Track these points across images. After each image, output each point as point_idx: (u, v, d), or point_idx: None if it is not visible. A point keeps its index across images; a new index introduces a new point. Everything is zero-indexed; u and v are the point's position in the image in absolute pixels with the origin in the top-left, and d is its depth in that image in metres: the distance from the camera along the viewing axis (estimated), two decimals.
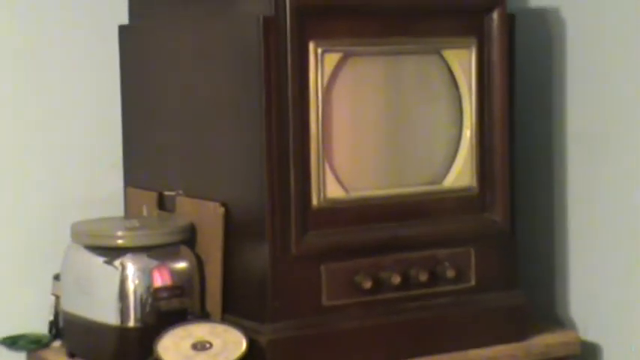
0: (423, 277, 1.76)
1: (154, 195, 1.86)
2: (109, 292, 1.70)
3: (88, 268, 1.74)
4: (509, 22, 1.82)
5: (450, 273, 1.78)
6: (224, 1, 1.74)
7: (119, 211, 1.95)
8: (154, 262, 1.71)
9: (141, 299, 1.69)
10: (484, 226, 1.82)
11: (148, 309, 1.69)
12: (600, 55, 1.90)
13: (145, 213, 1.86)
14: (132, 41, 1.94)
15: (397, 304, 1.76)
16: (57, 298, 1.84)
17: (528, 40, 1.94)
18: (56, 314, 1.85)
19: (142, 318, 1.69)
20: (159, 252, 1.72)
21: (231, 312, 1.73)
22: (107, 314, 1.70)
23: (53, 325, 1.86)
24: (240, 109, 1.71)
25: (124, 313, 1.69)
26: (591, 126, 1.92)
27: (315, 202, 1.70)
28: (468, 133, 1.81)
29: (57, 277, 1.84)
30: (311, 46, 1.68)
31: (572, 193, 1.96)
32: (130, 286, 1.70)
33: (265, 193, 1.67)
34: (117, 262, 1.71)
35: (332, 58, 1.70)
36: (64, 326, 1.81)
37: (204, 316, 1.74)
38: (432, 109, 1.80)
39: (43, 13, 1.94)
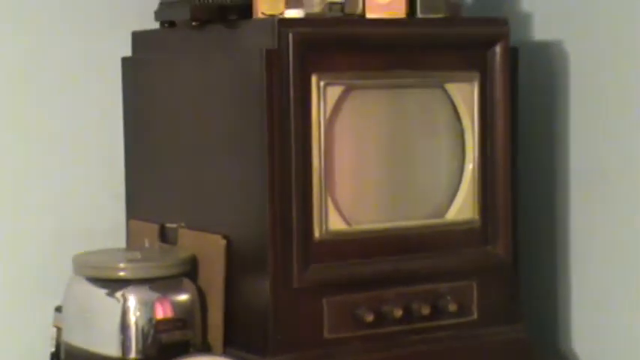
0: (425, 310, 1.76)
1: (156, 227, 1.86)
2: (110, 324, 1.70)
3: (90, 300, 1.74)
4: (512, 55, 1.82)
5: (452, 307, 1.78)
6: (227, 35, 1.74)
7: (121, 242, 1.95)
8: (155, 295, 1.71)
9: (142, 331, 1.69)
10: (486, 259, 1.81)
11: (149, 341, 1.69)
12: (603, 88, 1.91)
13: (147, 245, 1.86)
14: (135, 73, 1.94)
15: (399, 337, 1.75)
16: (58, 329, 1.84)
17: (531, 73, 1.94)
18: (58, 346, 1.85)
19: (143, 350, 1.69)
20: (161, 284, 1.72)
21: (233, 345, 1.73)
22: (109, 346, 1.70)
23: (55, 356, 1.86)
24: (242, 141, 1.71)
25: (125, 345, 1.69)
26: (593, 160, 1.92)
27: (317, 234, 1.70)
28: (471, 166, 1.81)
29: (59, 309, 1.84)
30: (313, 79, 1.68)
31: (574, 227, 1.95)
32: (132, 318, 1.69)
33: (267, 225, 1.67)
34: (119, 294, 1.71)
35: (334, 91, 1.70)
36: (65, 358, 1.81)
37: (205, 348, 1.74)
38: (435, 142, 1.80)
39: (47, 44, 1.95)
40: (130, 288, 1.71)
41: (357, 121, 1.74)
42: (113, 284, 1.71)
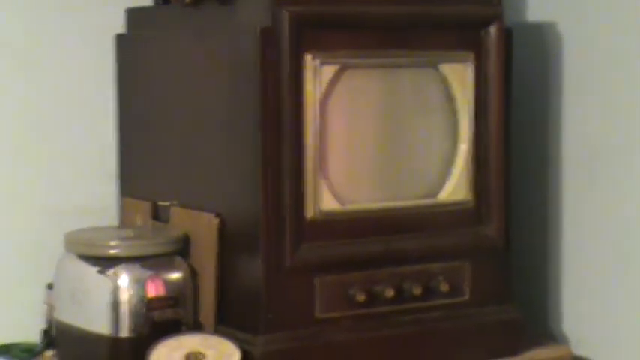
0: (417, 290, 1.76)
1: (148, 205, 1.86)
2: (102, 301, 1.70)
3: (82, 278, 1.74)
4: (507, 36, 1.82)
5: (444, 287, 1.78)
6: (221, 12, 1.74)
7: (113, 221, 1.94)
8: (147, 273, 1.71)
9: (134, 309, 1.69)
10: (479, 240, 1.82)
11: (141, 319, 1.69)
12: (597, 69, 1.91)
13: (139, 223, 1.86)
14: (128, 51, 1.93)
15: (391, 317, 1.75)
16: (50, 307, 1.84)
17: (525, 54, 1.94)
18: (49, 323, 1.84)
19: (135, 328, 1.69)
20: (153, 262, 1.72)
21: (225, 323, 1.73)
22: (100, 324, 1.70)
23: (46, 334, 1.86)
24: (236, 119, 1.71)
25: (116, 323, 1.69)
26: (587, 142, 1.92)
27: (309, 214, 1.70)
28: (464, 146, 1.81)
29: (50, 286, 1.84)
30: (308, 57, 1.68)
31: (566, 208, 1.96)
32: (124, 296, 1.69)
33: (260, 204, 1.66)
34: (110, 272, 1.70)
35: (329, 70, 1.70)
36: (56, 335, 1.81)
37: (197, 327, 1.74)
38: (428, 122, 1.80)
39: (39, 21, 1.94)
40: (121, 266, 1.70)
41: (351, 100, 1.73)
42: (105, 262, 1.71)
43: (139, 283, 1.70)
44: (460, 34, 1.80)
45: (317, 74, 1.68)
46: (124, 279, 1.70)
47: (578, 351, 1.92)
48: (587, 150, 1.92)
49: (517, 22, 1.94)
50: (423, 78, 1.79)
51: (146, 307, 1.69)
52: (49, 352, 1.84)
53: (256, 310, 1.68)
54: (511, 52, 1.83)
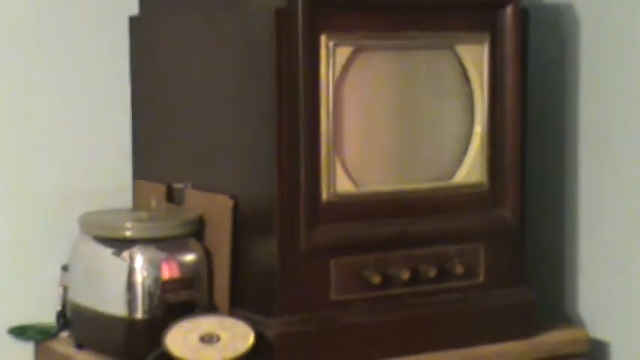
0: (432, 272, 1.75)
1: (162, 187, 1.86)
2: (117, 283, 1.70)
3: (97, 260, 1.74)
4: (523, 17, 1.81)
5: (459, 269, 1.77)
6: None
7: (128, 203, 1.94)
8: (162, 255, 1.71)
9: (149, 291, 1.69)
10: (494, 222, 1.81)
11: (155, 301, 1.69)
12: (614, 51, 1.89)
13: (153, 205, 1.86)
14: (142, 33, 1.93)
15: (405, 299, 1.75)
16: (65, 288, 1.84)
17: (541, 35, 1.93)
18: (64, 305, 1.85)
19: (149, 310, 1.69)
20: (167, 244, 1.72)
21: (239, 305, 1.73)
22: (115, 306, 1.70)
23: (61, 315, 1.86)
24: (250, 101, 1.71)
25: (131, 304, 1.69)
26: (603, 123, 1.91)
27: (324, 196, 1.69)
28: (479, 129, 1.80)
29: (65, 268, 1.84)
30: (323, 39, 1.67)
31: (582, 191, 1.95)
32: (138, 277, 1.69)
33: (275, 186, 1.66)
34: (125, 254, 1.71)
35: (343, 52, 1.69)
36: (71, 317, 1.81)
37: (212, 309, 1.74)
38: (444, 104, 1.79)
39: (52, 4, 1.93)
40: (136, 248, 1.70)
41: (366, 82, 1.72)
42: (120, 244, 1.71)
43: (154, 265, 1.70)
44: (476, 14, 1.79)
45: (332, 56, 1.68)
46: (138, 261, 1.70)
47: (594, 333, 1.91)
48: (603, 130, 1.91)
49: (533, 3, 1.93)
50: (439, 59, 1.78)
51: (161, 288, 1.69)
52: (65, 334, 1.85)
53: (271, 292, 1.68)
54: (527, 32, 1.82)
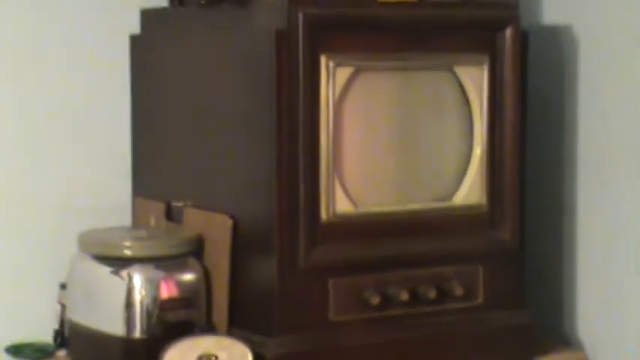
0: (431, 294, 1.75)
1: (162, 206, 1.86)
2: (115, 302, 1.70)
3: (95, 278, 1.74)
4: (523, 39, 1.81)
5: (458, 290, 1.77)
6: (236, 14, 1.73)
7: (127, 221, 1.94)
8: (161, 274, 1.71)
9: (147, 310, 1.69)
10: (493, 243, 1.81)
11: (154, 320, 1.69)
12: (612, 72, 1.90)
13: (152, 223, 1.86)
14: (143, 51, 1.93)
15: (404, 320, 1.75)
16: (63, 306, 1.84)
17: (540, 57, 1.93)
18: (62, 323, 1.84)
19: (148, 329, 1.69)
20: (166, 263, 1.72)
21: (238, 325, 1.73)
22: (113, 324, 1.70)
23: (58, 334, 1.85)
24: (250, 121, 1.71)
25: (130, 323, 1.69)
26: (603, 145, 1.91)
27: (324, 216, 1.69)
28: (479, 150, 1.81)
29: (63, 286, 1.84)
30: (323, 59, 1.68)
31: (582, 212, 1.95)
32: (137, 296, 1.69)
33: (274, 206, 1.66)
34: (124, 273, 1.70)
35: (344, 73, 1.69)
36: (69, 335, 1.81)
37: (210, 328, 1.74)
38: (443, 125, 1.79)
39: (54, 21, 1.94)
40: (135, 266, 1.70)
41: (366, 102, 1.73)
42: (118, 262, 1.71)
43: (153, 284, 1.70)
44: (475, 36, 1.79)
45: (332, 76, 1.68)
46: (137, 280, 1.69)
47: (594, 357, 1.91)
48: (601, 153, 1.91)
49: (532, 25, 1.94)
50: (438, 80, 1.78)
51: (159, 308, 1.69)
52: (62, 352, 1.84)
53: (269, 312, 1.68)
54: (527, 54, 1.82)
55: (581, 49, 1.94)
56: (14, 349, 1.87)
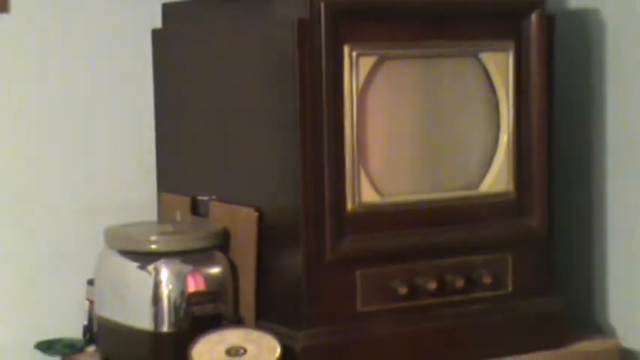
0: (459, 283, 1.74)
1: (187, 200, 1.86)
2: (142, 297, 1.70)
3: (122, 273, 1.74)
4: (549, 24, 1.79)
5: (487, 279, 1.76)
6: (258, 5, 1.73)
7: (152, 216, 1.94)
8: (187, 267, 1.71)
9: (175, 304, 1.69)
10: (521, 231, 1.79)
11: (181, 314, 1.69)
12: (639, 57, 1.88)
13: (178, 218, 1.86)
14: (165, 45, 1.93)
15: (433, 310, 1.74)
16: (91, 302, 1.84)
17: (567, 41, 1.91)
18: (90, 319, 1.85)
19: (175, 323, 1.69)
20: (193, 257, 1.72)
21: (265, 318, 1.72)
22: (141, 319, 1.70)
23: (87, 329, 1.86)
24: (274, 112, 1.70)
25: (157, 318, 1.69)
26: (631, 130, 1.89)
27: (349, 207, 1.68)
28: (505, 137, 1.79)
29: (91, 282, 1.84)
30: (346, 49, 1.66)
31: (611, 198, 1.93)
32: (164, 291, 1.69)
33: (299, 198, 1.65)
34: (150, 267, 1.70)
35: (367, 62, 1.68)
36: (98, 331, 1.81)
37: (238, 321, 1.73)
38: (469, 113, 1.77)
39: (76, 17, 1.94)
40: (161, 261, 1.70)
41: (390, 91, 1.72)
42: (145, 257, 1.71)
43: (180, 278, 1.69)
44: (500, 22, 1.77)
45: (355, 66, 1.67)
46: (164, 274, 1.69)
47: (625, 343, 1.89)
48: (631, 137, 1.89)
49: (559, 9, 1.92)
50: (463, 68, 1.76)
51: (186, 301, 1.69)
52: (91, 348, 1.85)
53: (297, 304, 1.67)
54: (553, 40, 1.80)
55: (608, 33, 1.91)
56: (44, 345, 1.88)
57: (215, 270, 1.72)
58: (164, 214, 1.92)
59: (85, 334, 1.87)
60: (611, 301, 1.94)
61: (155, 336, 1.69)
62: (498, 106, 1.79)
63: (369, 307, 1.70)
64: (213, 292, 1.71)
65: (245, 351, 1.65)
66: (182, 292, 1.69)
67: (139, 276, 1.71)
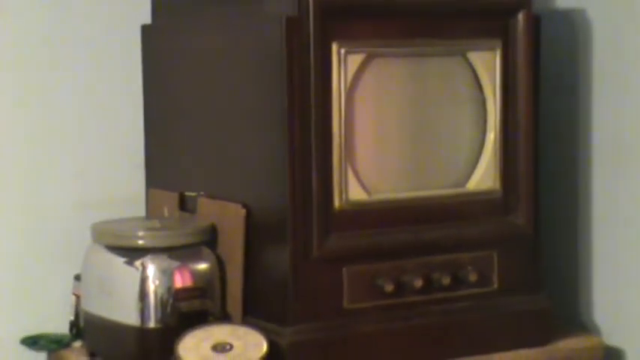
0: (446, 280, 1.75)
1: (175, 196, 1.86)
2: (129, 292, 1.70)
3: (109, 269, 1.74)
4: (535, 23, 1.80)
5: (473, 276, 1.77)
6: (247, 1, 1.73)
7: (140, 211, 1.94)
8: (174, 263, 1.71)
9: (161, 300, 1.69)
10: (507, 229, 1.80)
11: (168, 310, 1.69)
12: (627, 57, 1.88)
13: (166, 214, 1.86)
14: (154, 41, 1.93)
15: (419, 307, 1.74)
16: (77, 297, 1.84)
17: (554, 41, 1.92)
18: (77, 314, 1.85)
19: (162, 319, 1.69)
20: (180, 253, 1.72)
21: (252, 314, 1.72)
22: (127, 315, 1.70)
23: (74, 325, 1.86)
24: (262, 109, 1.70)
25: (144, 313, 1.69)
26: (617, 129, 1.90)
27: (337, 204, 1.69)
28: (492, 135, 1.80)
29: (78, 277, 1.84)
30: (334, 46, 1.67)
31: (596, 197, 1.94)
32: (151, 286, 1.69)
33: (287, 194, 1.66)
34: (137, 263, 1.70)
35: (355, 59, 1.69)
36: (84, 326, 1.81)
37: (224, 317, 1.74)
38: (456, 111, 1.78)
39: (65, 12, 1.94)
40: (148, 256, 1.70)
41: (378, 89, 1.72)
42: (132, 253, 1.71)
43: (167, 274, 1.70)
44: (487, 21, 1.78)
45: (343, 63, 1.67)
46: (151, 270, 1.70)
47: (610, 341, 1.90)
48: (617, 138, 1.90)
49: (545, 9, 1.93)
50: (450, 66, 1.77)
51: (173, 297, 1.69)
52: (77, 343, 1.85)
53: (284, 300, 1.68)
54: (539, 39, 1.81)
55: (595, 33, 1.92)
56: (30, 341, 1.88)
57: (202, 266, 1.73)
58: (152, 209, 1.92)
59: (71, 330, 1.86)
60: (596, 299, 1.95)
61: (142, 332, 1.69)
62: (485, 105, 1.79)
63: (355, 304, 1.71)
64: (200, 288, 1.71)
65: (231, 347, 1.65)
66: (169, 288, 1.69)
67: (126, 271, 1.71)
